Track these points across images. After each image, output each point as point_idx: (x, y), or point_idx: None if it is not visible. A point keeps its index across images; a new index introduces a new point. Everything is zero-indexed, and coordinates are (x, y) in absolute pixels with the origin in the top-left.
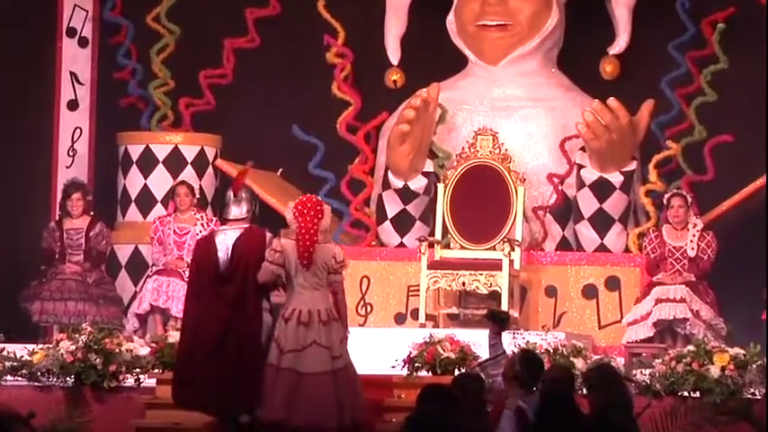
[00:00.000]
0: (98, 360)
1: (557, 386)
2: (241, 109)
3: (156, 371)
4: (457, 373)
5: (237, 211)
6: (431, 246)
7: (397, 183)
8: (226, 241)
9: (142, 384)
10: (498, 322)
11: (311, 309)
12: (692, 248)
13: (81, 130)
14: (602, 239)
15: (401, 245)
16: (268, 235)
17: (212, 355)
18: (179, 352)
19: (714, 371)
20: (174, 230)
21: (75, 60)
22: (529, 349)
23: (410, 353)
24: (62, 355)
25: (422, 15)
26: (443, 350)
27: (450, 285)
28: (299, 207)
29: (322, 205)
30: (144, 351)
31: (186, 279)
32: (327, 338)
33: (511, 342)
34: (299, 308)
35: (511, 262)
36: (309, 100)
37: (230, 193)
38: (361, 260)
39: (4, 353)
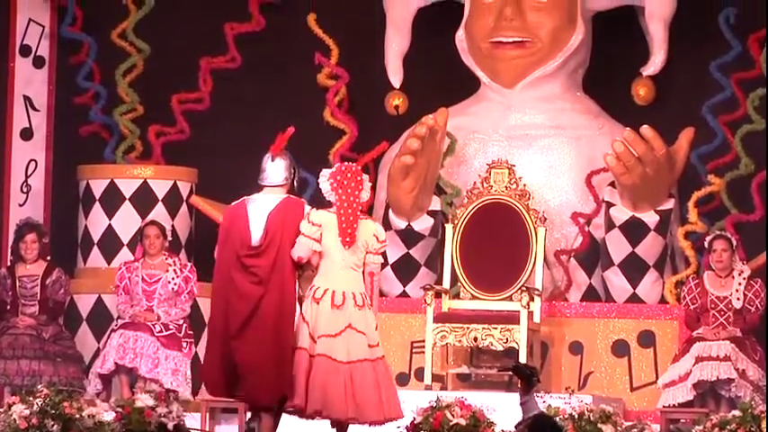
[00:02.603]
0: (56, 427)
1: None
2: (219, 138)
3: None
4: None
5: (274, 176)
6: (438, 295)
7: (400, 223)
8: (259, 210)
9: None
10: (523, 378)
11: (345, 290)
12: (738, 299)
13: (36, 162)
14: (634, 288)
15: (403, 294)
16: (306, 207)
17: (236, 337)
18: (209, 334)
19: None
20: (143, 278)
21: (30, 83)
22: (544, 414)
23: (414, 419)
24: (14, 420)
25: (427, 31)
26: (453, 416)
27: (459, 341)
28: (338, 177)
29: (361, 175)
30: (108, 417)
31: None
32: (364, 324)
33: None
34: (333, 288)
35: (530, 314)
36: (298, 128)
37: (268, 156)
38: None
39: None
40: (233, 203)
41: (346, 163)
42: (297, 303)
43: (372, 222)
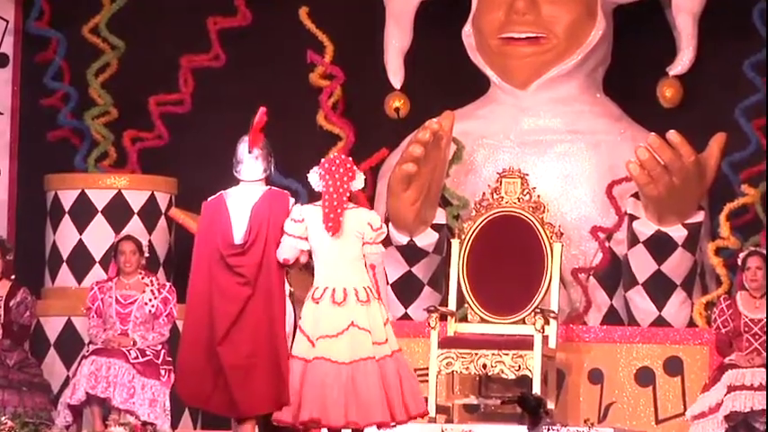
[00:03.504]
0: None
1: None
2: (202, 145)
3: None
4: None
5: (254, 169)
6: (443, 318)
7: (401, 238)
8: (241, 205)
9: None
10: (528, 410)
11: (346, 286)
12: None
13: None
14: (660, 310)
15: (405, 317)
16: (291, 199)
17: (221, 342)
18: (182, 341)
19: None
20: (117, 299)
21: None
22: None
23: None
24: None
25: (431, 26)
26: None
27: (467, 368)
28: (327, 165)
29: (353, 164)
30: None
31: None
32: (369, 320)
33: None
34: (332, 285)
35: (545, 339)
36: (289, 133)
37: (243, 147)
38: None
39: None
40: (210, 198)
41: (335, 153)
42: (288, 303)
43: (366, 210)
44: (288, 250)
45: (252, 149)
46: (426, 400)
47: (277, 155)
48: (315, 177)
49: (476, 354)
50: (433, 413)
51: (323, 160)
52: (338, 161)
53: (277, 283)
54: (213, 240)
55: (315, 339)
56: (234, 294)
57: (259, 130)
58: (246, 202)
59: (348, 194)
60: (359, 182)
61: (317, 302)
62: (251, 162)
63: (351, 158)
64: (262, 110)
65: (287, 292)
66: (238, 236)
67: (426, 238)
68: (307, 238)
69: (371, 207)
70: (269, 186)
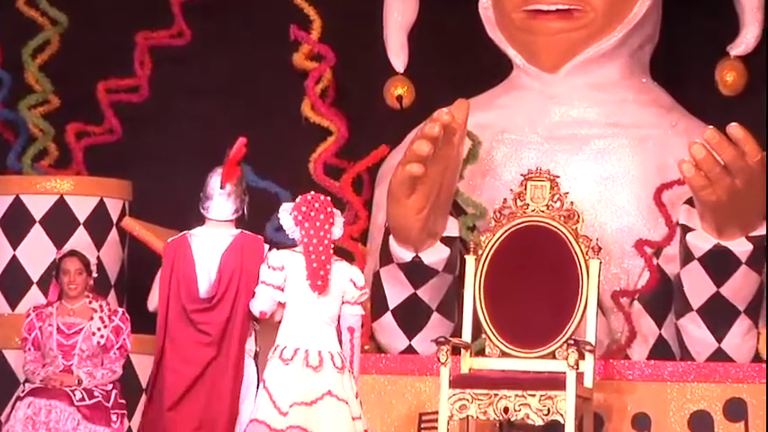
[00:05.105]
0: None
1: None
2: (161, 140)
3: None
4: None
5: (224, 208)
6: (456, 352)
7: (404, 254)
8: (208, 251)
9: None
10: None
11: (322, 349)
12: None
13: None
14: (719, 342)
15: (409, 350)
16: (266, 246)
17: (173, 408)
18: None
19: None
20: (59, 328)
21: None
22: None
23: None
24: None
25: None
26: None
27: (485, 412)
28: (303, 208)
29: (332, 206)
30: None
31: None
32: (344, 391)
33: None
34: (305, 347)
35: (579, 376)
36: (268, 126)
37: (215, 181)
38: None
39: None
40: (171, 239)
41: (312, 193)
42: (251, 363)
43: (347, 265)
44: (265, 302)
45: (224, 185)
46: None
47: (252, 153)
48: (289, 221)
49: (495, 395)
50: None
51: (297, 200)
52: (317, 204)
53: (242, 343)
54: (174, 291)
55: (288, 406)
56: (194, 355)
57: (236, 163)
58: (215, 247)
59: (333, 246)
60: (339, 228)
61: (287, 364)
62: (221, 200)
63: (327, 198)
64: (241, 140)
65: (253, 353)
66: (204, 287)
67: (435, 254)
68: (284, 289)
69: (368, 218)
70: (240, 230)
